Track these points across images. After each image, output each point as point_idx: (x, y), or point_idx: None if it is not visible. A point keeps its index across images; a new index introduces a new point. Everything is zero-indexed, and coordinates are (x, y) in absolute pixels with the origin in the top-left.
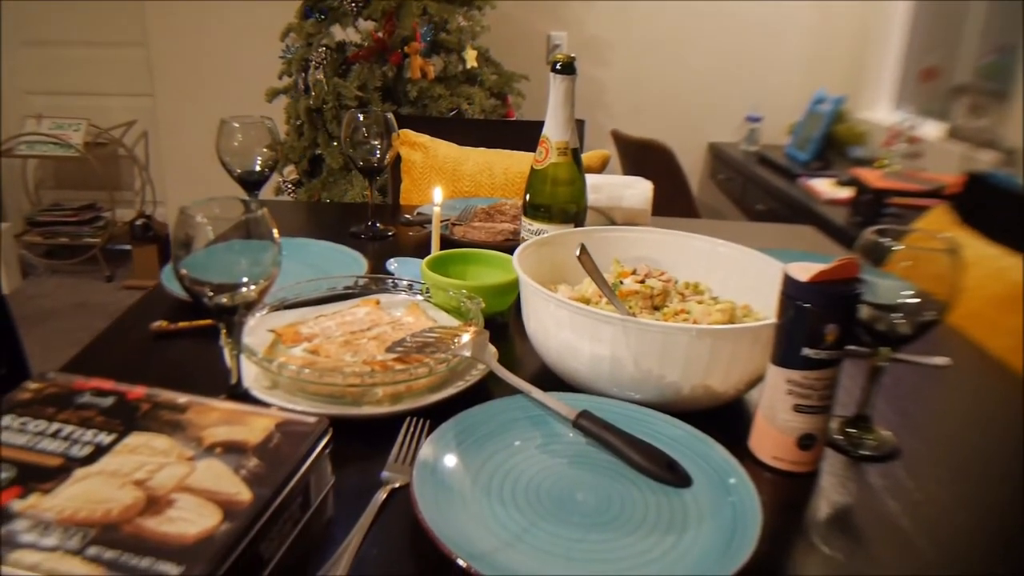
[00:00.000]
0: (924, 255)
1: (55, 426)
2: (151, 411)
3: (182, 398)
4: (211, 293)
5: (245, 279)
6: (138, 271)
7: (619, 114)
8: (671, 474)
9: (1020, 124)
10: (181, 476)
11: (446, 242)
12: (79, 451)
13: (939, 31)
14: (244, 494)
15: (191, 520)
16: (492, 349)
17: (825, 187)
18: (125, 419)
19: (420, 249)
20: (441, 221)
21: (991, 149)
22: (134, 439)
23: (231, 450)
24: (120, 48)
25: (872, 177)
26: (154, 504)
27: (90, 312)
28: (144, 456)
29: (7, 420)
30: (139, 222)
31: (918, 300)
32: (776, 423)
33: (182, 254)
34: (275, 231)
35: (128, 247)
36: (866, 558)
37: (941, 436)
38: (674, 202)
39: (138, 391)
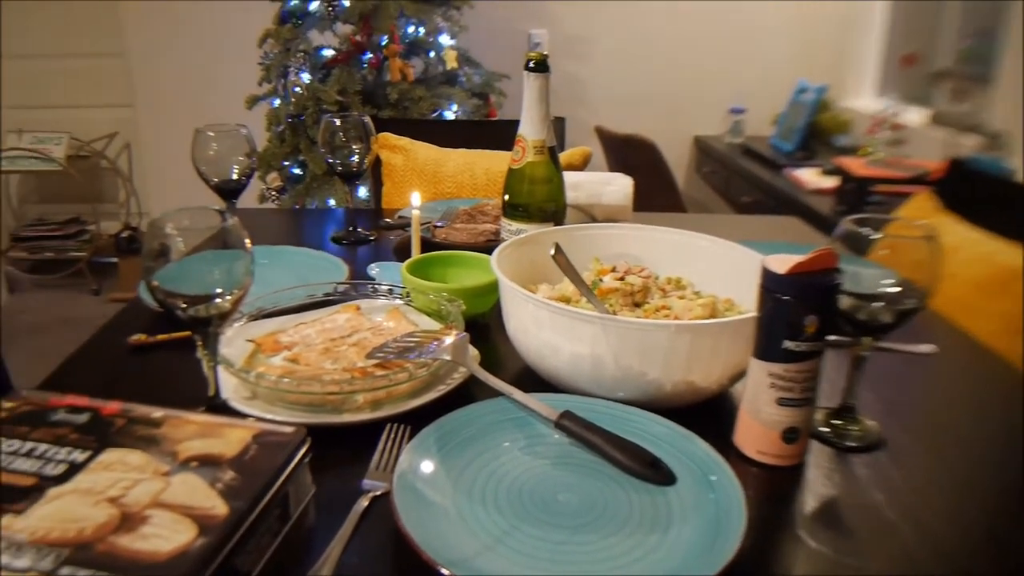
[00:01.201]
0: (903, 243)
1: (29, 445)
2: (126, 427)
3: (157, 412)
4: (184, 305)
5: (219, 290)
6: (124, 284)
7: (602, 110)
8: (654, 472)
9: (1002, 108)
10: (156, 492)
11: (428, 245)
12: (53, 469)
13: (919, 16)
14: (220, 508)
15: (166, 536)
16: (473, 352)
17: (810, 177)
18: (100, 435)
19: (402, 253)
20: (422, 224)
21: (975, 133)
22: (108, 455)
23: (207, 463)
24: (99, 59)
25: (856, 165)
26: (128, 521)
27: (77, 326)
28: (119, 472)
29: None
30: (124, 234)
31: (898, 288)
32: (760, 417)
33: (154, 266)
34: (247, 240)
35: (114, 260)
36: (853, 550)
37: (927, 424)
38: (659, 197)
39: (113, 407)
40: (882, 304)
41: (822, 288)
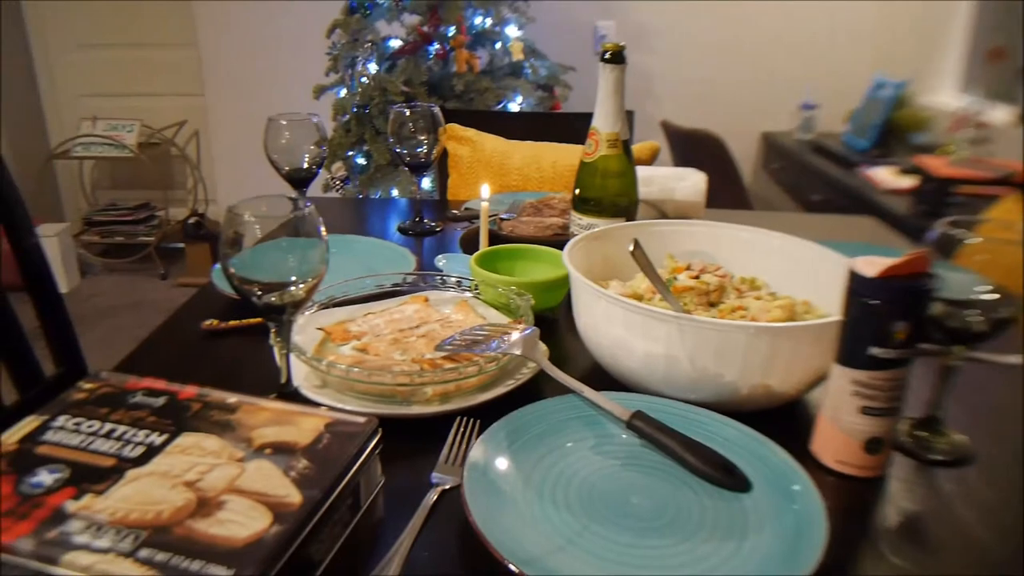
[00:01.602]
0: (1000, 247)
1: (108, 426)
2: (202, 411)
3: (232, 398)
4: (260, 292)
5: (293, 277)
6: (191, 269)
7: (668, 104)
8: (729, 477)
9: None
10: (231, 477)
11: (494, 237)
12: (131, 451)
13: (1007, 9)
14: (294, 496)
15: (241, 522)
16: (543, 347)
17: (886, 176)
18: (176, 419)
19: (469, 245)
20: (489, 216)
21: None
22: (185, 439)
23: (281, 451)
24: (171, 49)
25: (937, 165)
26: (205, 506)
27: (145, 310)
28: (195, 457)
29: (61, 420)
30: (191, 220)
31: (994, 296)
32: (841, 425)
33: (230, 253)
34: (323, 228)
35: (181, 245)
36: (938, 569)
37: (1018, 440)
38: (726, 194)
39: (189, 391)
40: (976, 312)
41: (915, 293)
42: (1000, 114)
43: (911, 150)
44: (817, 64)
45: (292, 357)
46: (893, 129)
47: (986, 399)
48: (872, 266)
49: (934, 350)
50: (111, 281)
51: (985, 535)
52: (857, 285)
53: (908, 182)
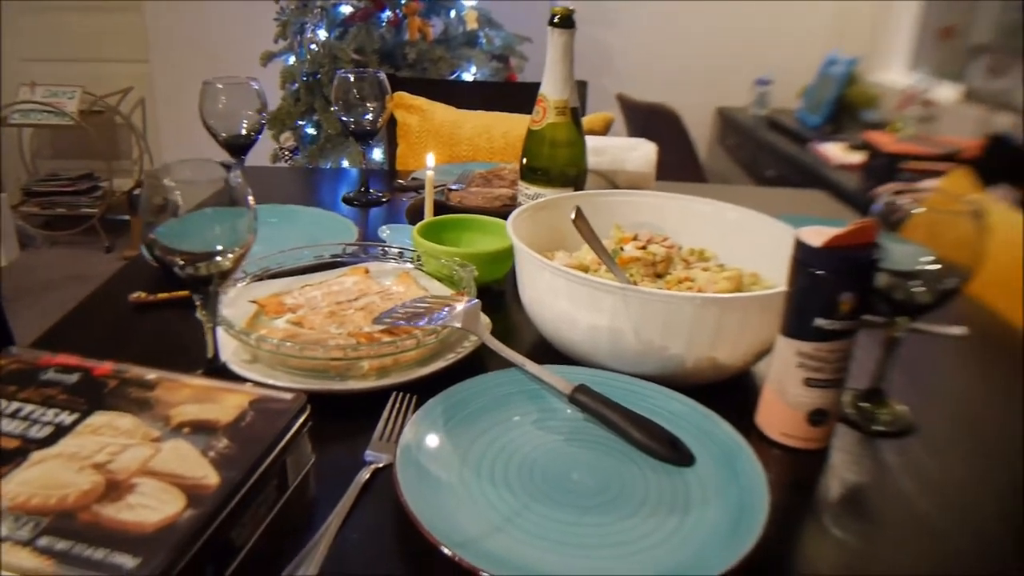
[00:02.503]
0: (946, 219)
1: (15, 405)
2: (118, 388)
3: (151, 374)
4: (182, 262)
5: (219, 247)
6: (137, 241)
7: (625, 77)
8: (673, 452)
9: None
10: (144, 459)
11: (442, 208)
12: (38, 432)
13: None
14: (211, 477)
15: (153, 507)
16: (485, 320)
17: (837, 152)
18: (90, 397)
19: (415, 216)
20: (437, 187)
21: (1008, 111)
22: (97, 419)
23: (200, 430)
24: (114, 13)
25: (885, 141)
26: (114, 489)
27: (89, 283)
28: (107, 437)
29: None
30: (137, 191)
31: (939, 267)
32: (785, 398)
33: (153, 221)
34: (250, 196)
35: (127, 217)
36: (881, 540)
37: (960, 410)
38: (681, 168)
39: (105, 367)
40: (921, 283)
41: (861, 264)
42: (947, 92)
43: (861, 126)
44: (772, 40)
45: (220, 331)
46: (844, 106)
47: (929, 370)
48: (818, 236)
49: (878, 321)
50: (53, 254)
51: (926, 505)
52: (803, 255)
53: (858, 158)
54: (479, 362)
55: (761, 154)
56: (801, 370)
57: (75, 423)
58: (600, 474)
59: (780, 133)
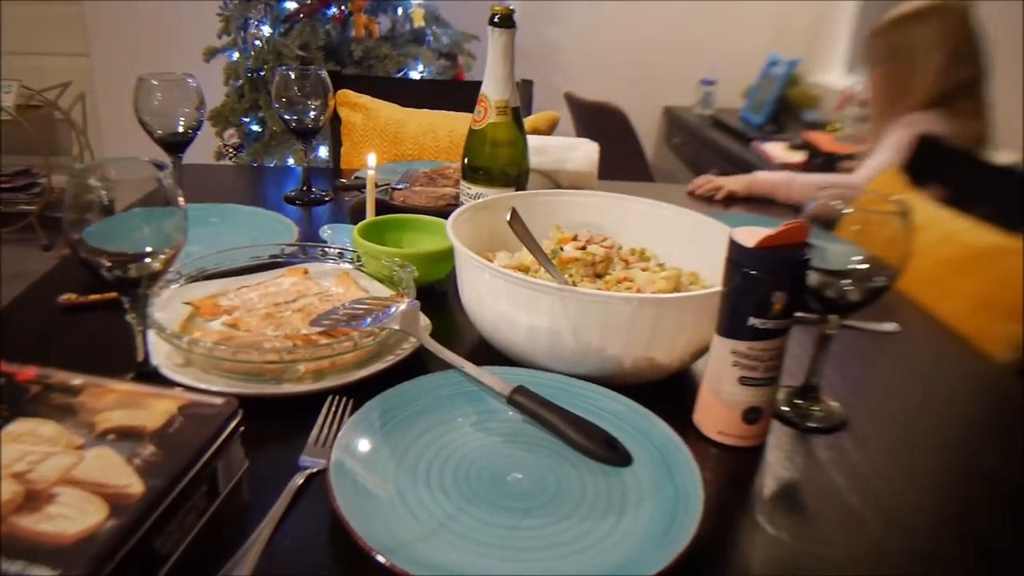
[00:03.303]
0: (875, 218)
1: None
2: (41, 394)
3: (77, 379)
4: (109, 264)
5: (148, 248)
6: None
7: (573, 76)
8: (610, 452)
9: None
10: (66, 467)
11: (384, 207)
12: None
13: None
14: (136, 486)
15: (73, 517)
16: (425, 322)
17: (778, 151)
18: (11, 403)
19: (357, 215)
20: (380, 186)
21: None
22: (18, 426)
23: (126, 436)
24: (52, 4)
25: (824, 140)
26: (33, 500)
27: (26, 282)
28: (27, 445)
29: None
30: None
31: (868, 265)
32: (721, 396)
33: (77, 221)
34: (180, 196)
35: None
36: (812, 535)
37: (890, 406)
38: (628, 166)
39: (28, 372)
40: (850, 282)
41: (791, 263)
42: None
43: (802, 126)
44: (717, 42)
45: (151, 334)
46: (786, 106)
47: (861, 366)
48: (751, 236)
49: (811, 319)
50: None
51: (855, 500)
52: (737, 255)
53: (798, 157)
54: (418, 364)
55: (706, 152)
56: (736, 369)
57: None
58: (537, 476)
59: (724, 132)
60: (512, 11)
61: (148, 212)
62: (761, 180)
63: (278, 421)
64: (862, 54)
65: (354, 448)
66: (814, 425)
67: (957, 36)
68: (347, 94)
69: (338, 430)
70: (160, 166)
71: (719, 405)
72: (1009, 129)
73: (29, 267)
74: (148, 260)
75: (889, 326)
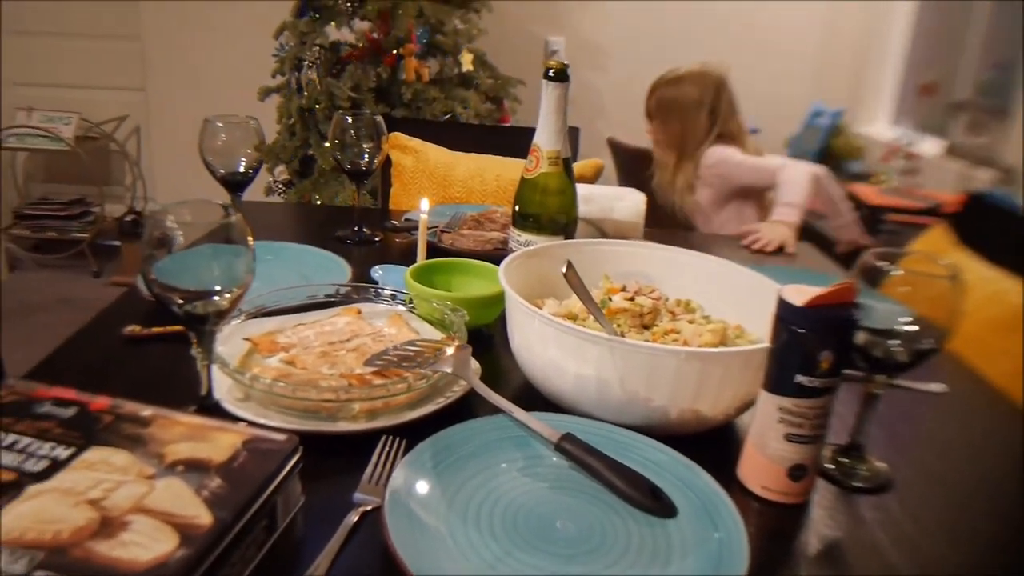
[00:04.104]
0: (924, 281)
1: (11, 438)
2: (113, 424)
3: (147, 410)
4: (181, 300)
5: (217, 287)
6: (126, 267)
7: (616, 122)
8: (655, 503)
9: (1019, 142)
10: (139, 496)
11: (434, 249)
12: (34, 465)
13: (939, 46)
14: (204, 517)
15: (145, 545)
16: (475, 365)
17: None
18: (85, 432)
19: (407, 256)
20: (429, 228)
21: (989, 167)
22: (93, 454)
23: (193, 468)
24: (114, 41)
25: (869, 193)
26: (107, 526)
27: (76, 307)
28: (102, 473)
29: None
30: (128, 218)
31: (916, 327)
32: (766, 452)
33: (153, 256)
34: (250, 238)
35: (117, 243)
36: None
37: (936, 467)
38: (668, 211)
39: (101, 402)
40: (898, 342)
41: (840, 323)
42: (930, 146)
43: (846, 177)
44: (759, 90)
45: (214, 369)
46: (829, 156)
47: (908, 427)
48: (800, 294)
49: (857, 378)
50: (41, 277)
51: (901, 562)
52: (785, 313)
53: None
54: (467, 406)
55: None
56: (782, 425)
57: (71, 458)
58: (583, 523)
59: None
60: (566, 66)
61: (218, 249)
62: (791, 223)
63: (332, 458)
64: (646, 105)
65: (408, 488)
66: (859, 484)
67: (713, 97)
68: (398, 137)
69: (391, 469)
70: (227, 209)
71: (764, 460)
72: None
73: (78, 293)
74: (216, 298)
75: (936, 386)
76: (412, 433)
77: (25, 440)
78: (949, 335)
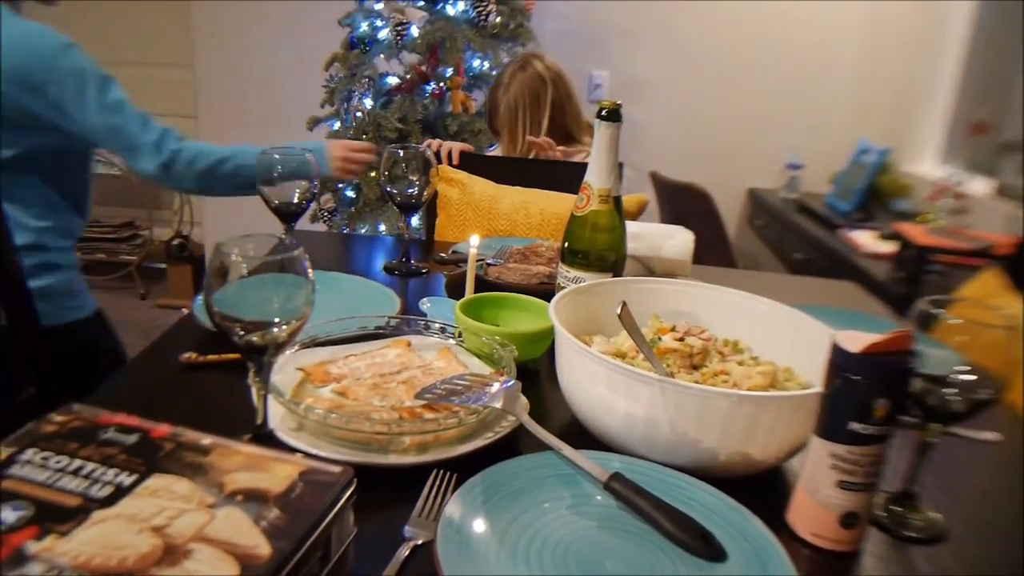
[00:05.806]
0: (982, 331)
1: (77, 463)
2: (174, 451)
3: (206, 439)
4: (241, 331)
5: (276, 319)
6: (172, 290)
7: (658, 156)
8: (705, 546)
9: None
10: (200, 525)
11: (480, 282)
12: (99, 491)
13: (989, 85)
14: (263, 548)
15: (207, 573)
16: (524, 401)
17: (867, 240)
18: (147, 459)
19: (454, 289)
20: (476, 261)
21: None
22: (155, 481)
23: (252, 498)
24: (166, 69)
25: (916, 232)
26: (171, 554)
27: (123, 329)
28: (164, 500)
29: (29, 454)
30: (176, 242)
31: (973, 376)
32: (818, 498)
33: (214, 289)
34: (309, 269)
35: (163, 266)
36: None
37: (991, 518)
38: (711, 247)
39: (162, 429)
40: (955, 391)
41: (897, 371)
42: (979, 186)
43: (892, 216)
44: (804, 125)
45: (270, 398)
46: (875, 194)
47: (961, 476)
48: (855, 341)
49: (912, 423)
50: None
51: None
52: (840, 359)
53: (888, 247)
54: (516, 441)
55: (789, 236)
56: (834, 472)
57: (134, 484)
58: (632, 564)
59: (809, 217)
60: (619, 105)
61: (278, 280)
62: None
63: (381, 489)
64: None
65: (460, 523)
66: (912, 535)
67: (553, 88)
68: (445, 169)
69: (441, 503)
70: (288, 241)
71: (815, 507)
72: None
73: (125, 315)
74: (276, 329)
75: (990, 435)
76: (461, 467)
77: (90, 465)
78: (1008, 386)
